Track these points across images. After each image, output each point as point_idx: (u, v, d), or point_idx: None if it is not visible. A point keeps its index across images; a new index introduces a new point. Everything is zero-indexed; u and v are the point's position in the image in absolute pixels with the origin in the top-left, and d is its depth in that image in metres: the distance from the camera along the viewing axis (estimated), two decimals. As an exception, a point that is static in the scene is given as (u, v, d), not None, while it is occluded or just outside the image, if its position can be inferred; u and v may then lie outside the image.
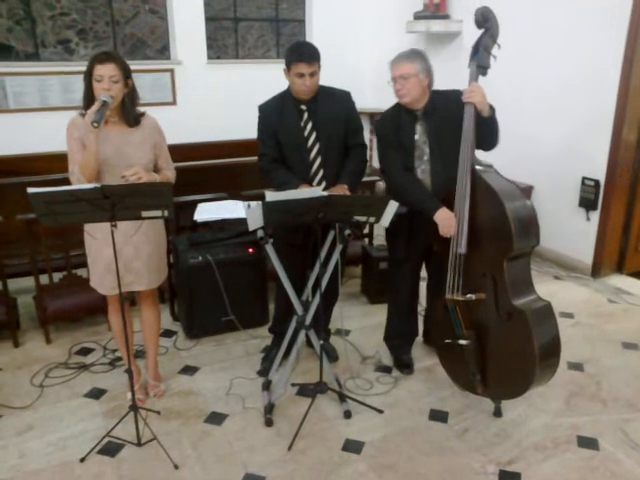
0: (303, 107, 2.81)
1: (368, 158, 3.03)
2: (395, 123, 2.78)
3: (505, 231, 2.41)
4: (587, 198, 4.47)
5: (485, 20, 2.60)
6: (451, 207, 2.58)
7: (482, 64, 2.61)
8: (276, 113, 2.83)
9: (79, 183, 2.34)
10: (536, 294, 2.57)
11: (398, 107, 2.80)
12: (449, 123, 2.64)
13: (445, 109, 2.67)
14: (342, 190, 2.74)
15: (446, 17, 5.58)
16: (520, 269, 2.55)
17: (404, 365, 3.20)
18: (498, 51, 2.63)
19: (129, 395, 2.82)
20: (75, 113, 2.51)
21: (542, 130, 4.59)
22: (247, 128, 3.99)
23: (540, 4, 4.36)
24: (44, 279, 3.44)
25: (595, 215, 4.46)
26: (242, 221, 2.49)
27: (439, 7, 5.57)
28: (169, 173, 2.68)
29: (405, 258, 3.01)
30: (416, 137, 2.75)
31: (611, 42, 4.09)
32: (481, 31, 2.64)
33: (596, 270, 4.53)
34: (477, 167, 2.54)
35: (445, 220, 2.62)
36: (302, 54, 2.67)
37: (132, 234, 2.56)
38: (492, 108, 2.62)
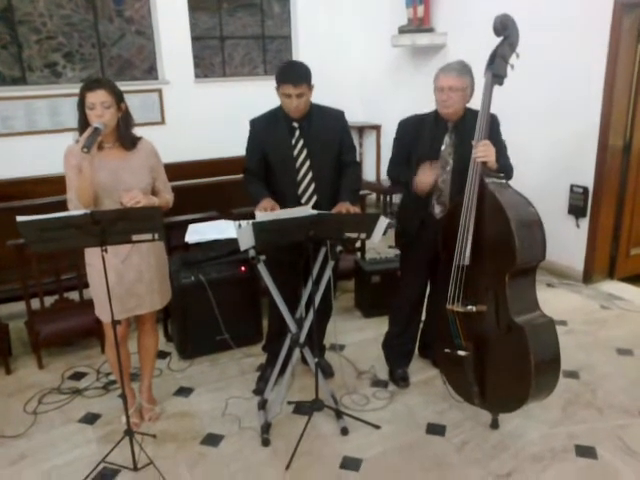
0: (295, 125, 2.83)
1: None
2: (416, 130, 2.83)
3: (509, 245, 2.38)
4: (576, 205, 4.51)
5: (504, 28, 2.57)
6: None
7: (498, 73, 2.58)
8: (266, 128, 2.85)
9: (76, 209, 2.33)
10: (539, 310, 2.55)
11: (426, 117, 2.83)
12: (472, 139, 2.62)
13: (472, 125, 2.63)
14: (345, 207, 2.75)
15: (430, 30, 5.65)
16: (524, 284, 2.52)
17: (400, 378, 3.19)
18: (515, 60, 2.61)
19: (124, 419, 2.79)
20: (72, 141, 2.51)
21: (530, 139, 4.64)
22: (236, 145, 4.00)
23: (528, 23, 4.43)
24: (35, 303, 3.41)
25: (585, 222, 4.50)
26: (233, 240, 2.49)
27: (423, 21, 5.64)
28: (168, 196, 2.69)
29: (410, 265, 3.04)
30: (442, 148, 2.78)
31: (595, 50, 4.16)
32: (499, 39, 2.61)
33: (588, 276, 4.56)
34: (487, 179, 2.51)
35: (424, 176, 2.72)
36: (289, 75, 2.69)
37: (126, 255, 2.55)
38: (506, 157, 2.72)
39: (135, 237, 2.24)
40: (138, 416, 2.89)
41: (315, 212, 2.43)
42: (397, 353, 3.25)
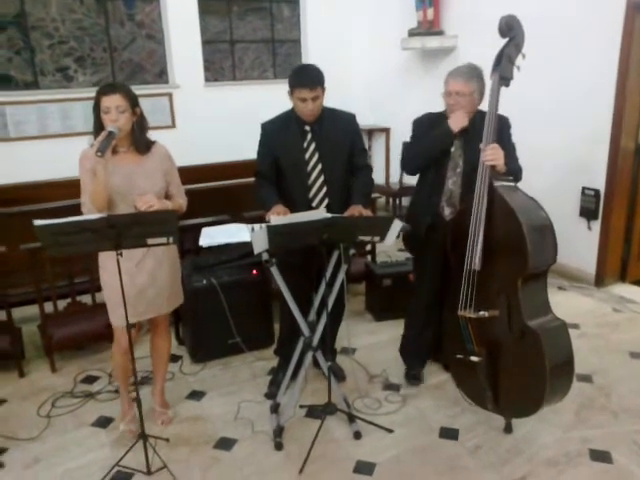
0: (307, 128, 2.83)
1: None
2: (430, 127, 2.83)
3: (521, 250, 2.35)
4: (588, 208, 4.48)
5: (509, 29, 2.55)
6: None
7: (505, 75, 2.56)
8: (278, 132, 2.86)
9: (90, 213, 2.34)
10: (552, 314, 2.53)
11: (439, 115, 2.85)
12: (482, 141, 2.60)
13: (482, 127, 2.61)
14: (357, 211, 2.75)
15: (440, 33, 5.64)
16: (536, 288, 2.50)
17: (412, 377, 3.20)
18: (521, 61, 2.59)
19: (122, 426, 2.80)
20: (86, 144, 2.52)
21: (541, 141, 4.62)
22: (246, 149, 4.02)
23: (539, 24, 4.43)
24: (48, 306, 3.43)
25: (596, 224, 4.47)
26: (244, 243, 2.49)
27: (433, 23, 5.63)
28: (181, 200, 2.68)
29: (423, 267, 3.04)
30: (452, 149, 2.78)
31: (606, 52, 4.13)
32: (505, 40, 2.59)
33: (599, 279, 4.53)
34: (497, 183, 2.49)
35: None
36: (304, 79, 2.68)
37: (140, 259, 2.55)
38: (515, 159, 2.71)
39: (150, 241, 2.25)
40: (135, 422, 2.78)
41: (329, 215, 2.43)
42: (413, 356, 3.25)
